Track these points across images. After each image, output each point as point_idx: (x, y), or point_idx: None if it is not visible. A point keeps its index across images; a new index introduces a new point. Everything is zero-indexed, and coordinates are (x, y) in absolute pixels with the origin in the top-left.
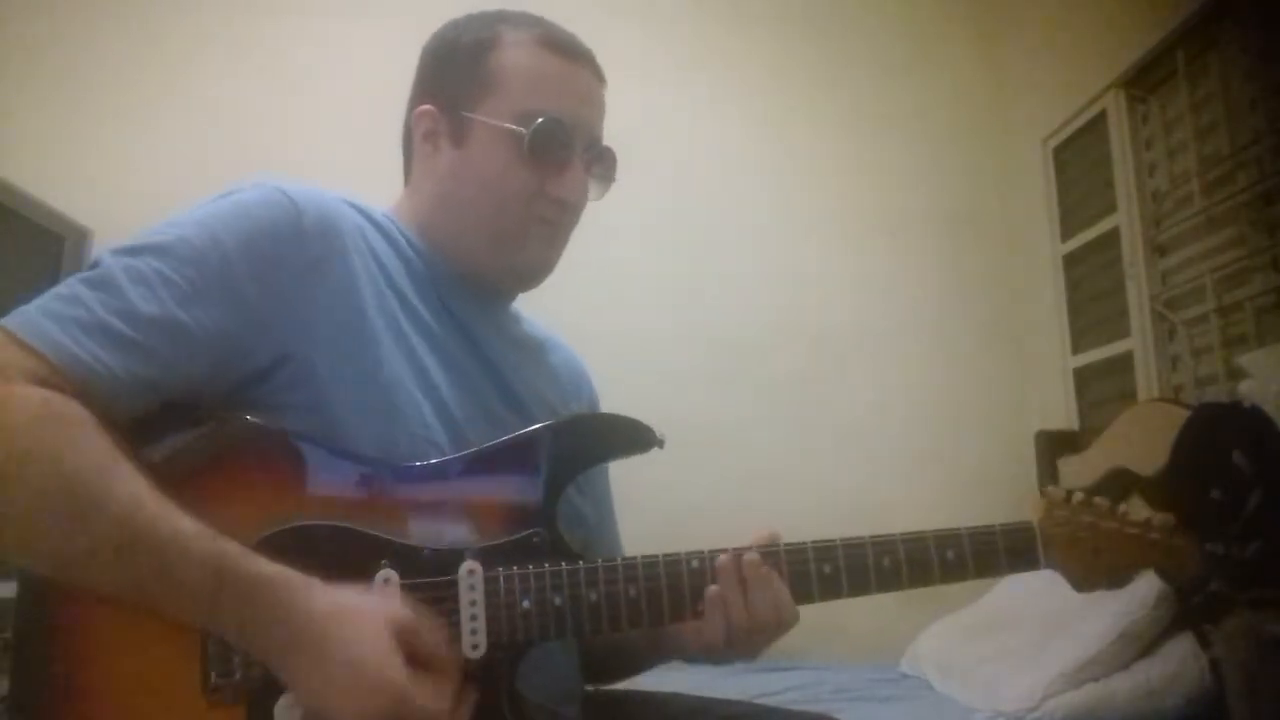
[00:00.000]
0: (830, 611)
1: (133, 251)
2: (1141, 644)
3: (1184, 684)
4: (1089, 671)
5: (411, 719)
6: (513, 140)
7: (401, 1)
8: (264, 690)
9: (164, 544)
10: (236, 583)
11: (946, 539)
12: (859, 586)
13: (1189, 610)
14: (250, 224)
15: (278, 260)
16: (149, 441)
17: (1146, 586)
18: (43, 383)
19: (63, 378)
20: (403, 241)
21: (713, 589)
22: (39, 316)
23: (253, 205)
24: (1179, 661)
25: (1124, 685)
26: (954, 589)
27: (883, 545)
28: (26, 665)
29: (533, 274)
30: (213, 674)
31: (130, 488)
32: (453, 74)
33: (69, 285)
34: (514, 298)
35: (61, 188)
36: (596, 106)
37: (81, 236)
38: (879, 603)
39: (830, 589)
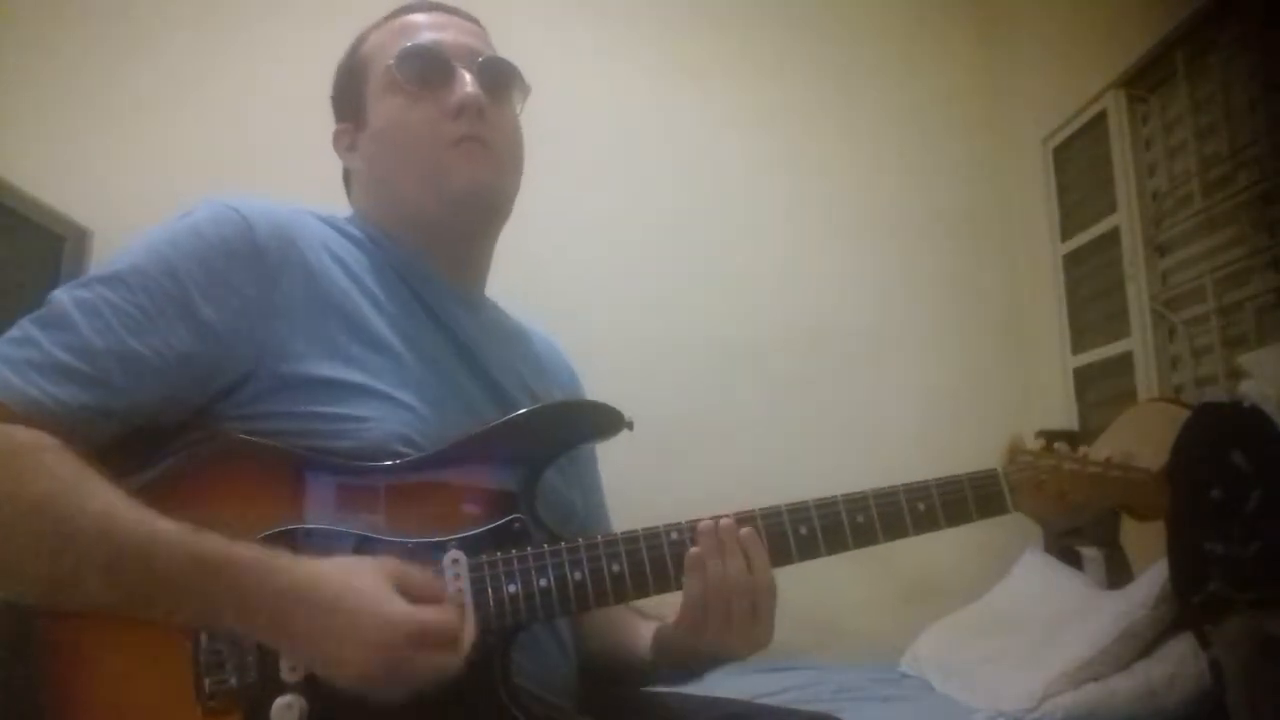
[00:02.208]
0: (830, 611)
1: (84, 284)
2: (1141, 644)
3: (1184, 684)
4: (1089, 671)
5: (426, 641)
6: (391, 82)
7: (400, 6)
8: (260, 693)
9: (146, 547)
10: (224, 567)
11: (916, 491)
12: (836, 544)
13: (1189, 610)
14: (202, 244)
15: (233, 278)
16: (127, 464)
17: (1146, 586)
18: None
19: (23, 419)
20: (365, 240)
21: (693, 550)
22: None
23: (204, 225)
24: (1179, 662)
25: (1124, 685)
26: (954, 589)
27: (855, 502)
28: (14, 684)
29: (475, 198)
30: (207, 681)
31: (102, 501)
32: (342, 86)
33: (21, 327)
34: (484, 252)
35: (61, 188)
36: (466, 31)
37: (81, 236)
38: (879, 603)
39: (808, 549)
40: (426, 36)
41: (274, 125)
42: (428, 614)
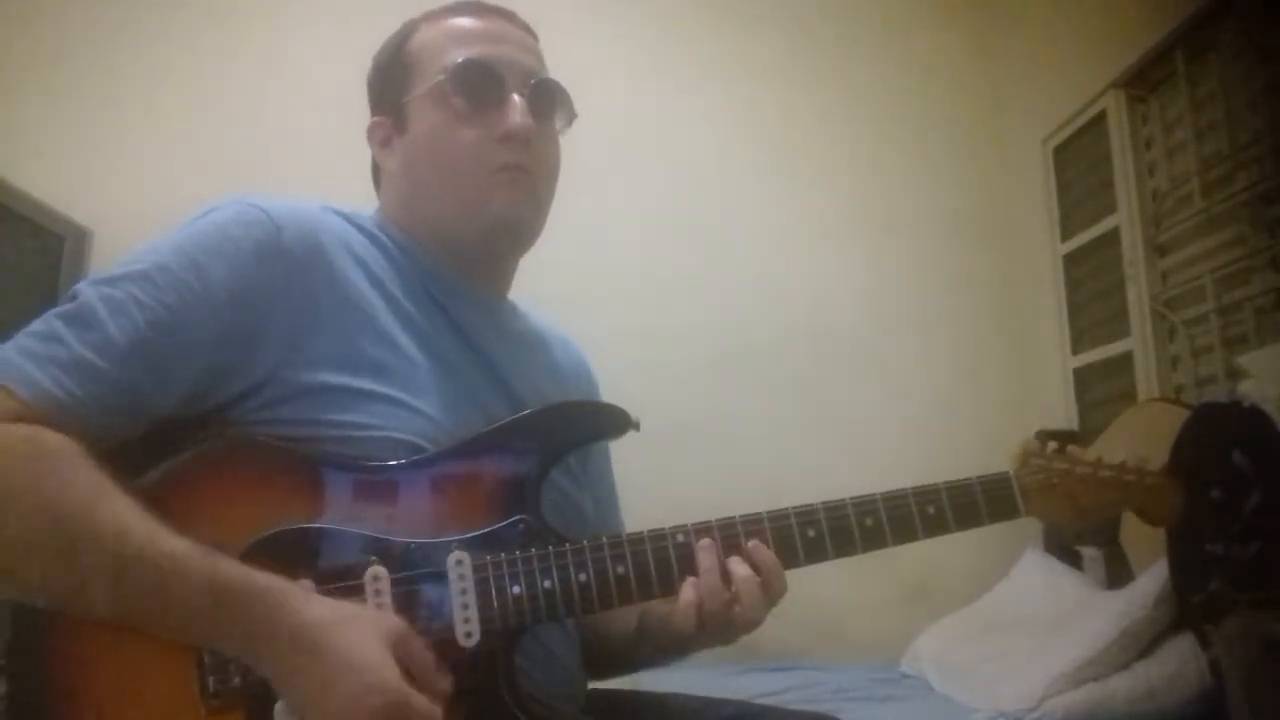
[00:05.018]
0: (830, 612)
1: (111, 281)
2: (1141, 644)
3: (1184, 684)
4: (1089, 671)
5: (409, 717)
6: (441, 94)
7: (401, 3)
8: (263, 695)
9: (156, 567)
10: (233, 594)
11: (926, 494)
12: (844, 547)
13: (1189, 610)
14: (229, 245)
15: (259, 282)
16: (137, 460)
17: (1146, 586)
18: (24, 421)
19: (42, 416)
20: (389, 243)
21: (690, 579)
22: (16, 356)
23: (230, 225)
24: (1179, 661)
25: (1124, 685)
26: (954, 589)
27: (864, 505)
28: (23, 678)
29: (511, 228)
30: (211, 681)
31: (117, 515)
32: (383, 78)
33: (46, 321)
34: (508, 284)
35: (61, 188)
36: (522, 47)
37: (81, 236)
38: (879, 603)
39: (816, 552)
40: (481, 50)
41: (274, 124)
42: (418, 698)
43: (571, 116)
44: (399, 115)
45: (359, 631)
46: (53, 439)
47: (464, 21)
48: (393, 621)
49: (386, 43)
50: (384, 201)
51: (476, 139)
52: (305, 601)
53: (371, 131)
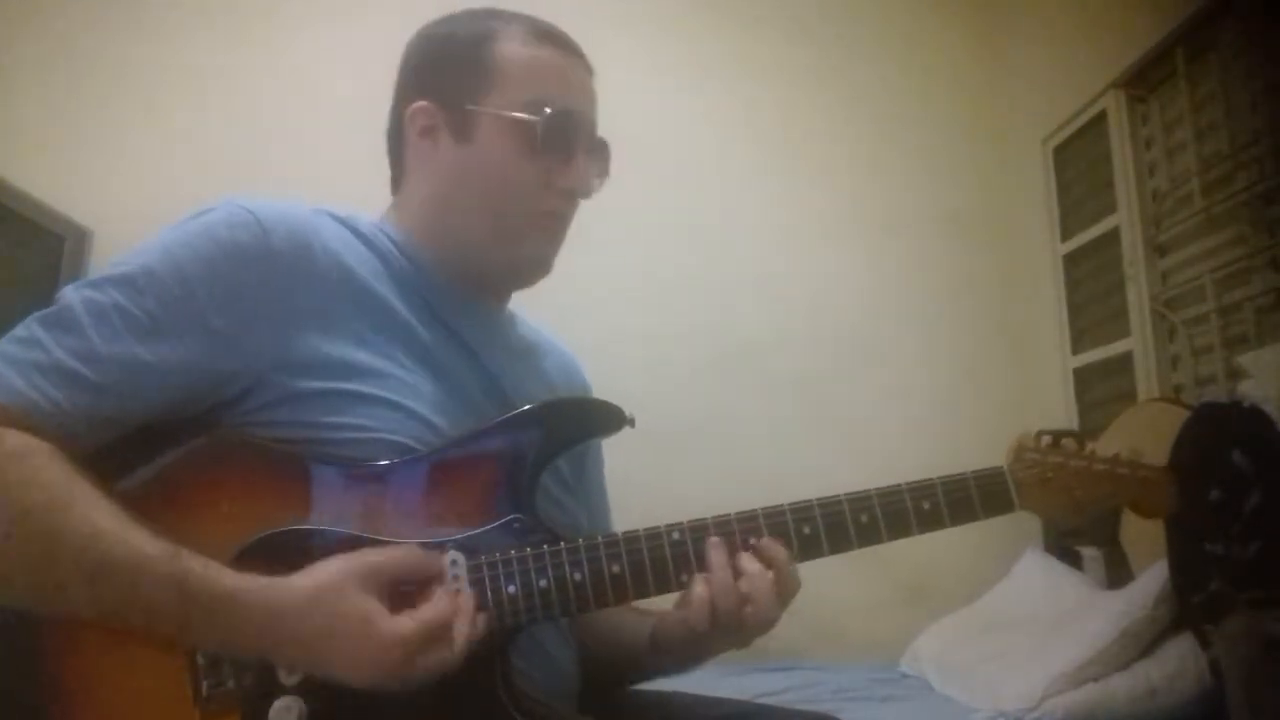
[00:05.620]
0: (830, 612)
1: (94, 285)
2: (1141, 644)
3: (1184, 684)
4: (1089, 671)
5: (423, 653)
6: (522, 131)
7: (400, 2)
8: (258, 696)
9: (127, 570)
10: (200, 600)
11: (921, 490)
12: (840, 543)
13: (1189, 610)
14: (215, 248)
15: (244, 285)
16: (127, 462)
17: (1146, 586)
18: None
19: (20, 421)
20: (390, 249)
21: (700, 575)
22: None
23: (217, 228)
24: (1179, 661)
25: (1124, 685)
26: (954, 589)
27: (859, 501)
28: (16, 682)
29: (532, 270)
30: (204, 684)
31: (87, 517)
32: (450, 68)
33: (28, 327)
34: (508, 297)
35: (61, 188)
36: (592, 99)
37: (81, 236)
38: (879, 603)
39: (811, 548)
40: (570, 103)
41: (274, 124)
42: (415, 624)
43: (605, 175)
44: (460, 117)
45: (335, 599)
46: (16, 440)
47: (555, 57)
48: (360, 562)
49: (459, 30)
50: (408, 198)
51: (533, 179)
52: (269, 595)
53: (414, 115)
